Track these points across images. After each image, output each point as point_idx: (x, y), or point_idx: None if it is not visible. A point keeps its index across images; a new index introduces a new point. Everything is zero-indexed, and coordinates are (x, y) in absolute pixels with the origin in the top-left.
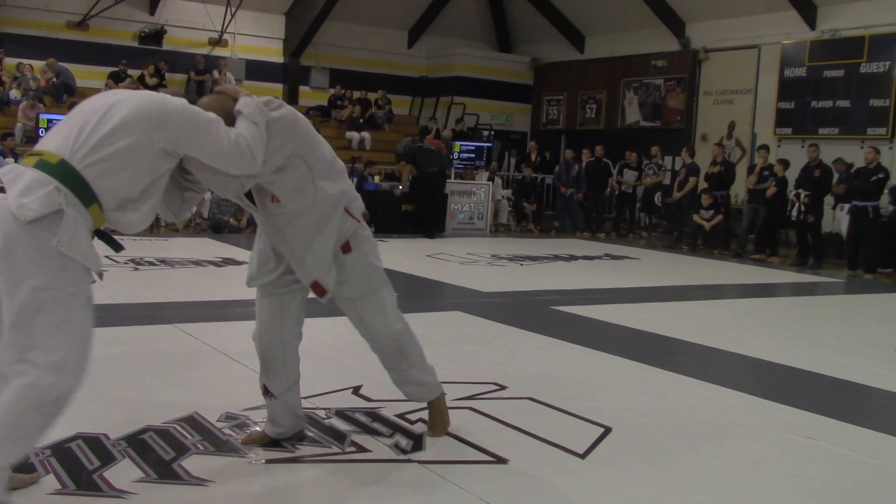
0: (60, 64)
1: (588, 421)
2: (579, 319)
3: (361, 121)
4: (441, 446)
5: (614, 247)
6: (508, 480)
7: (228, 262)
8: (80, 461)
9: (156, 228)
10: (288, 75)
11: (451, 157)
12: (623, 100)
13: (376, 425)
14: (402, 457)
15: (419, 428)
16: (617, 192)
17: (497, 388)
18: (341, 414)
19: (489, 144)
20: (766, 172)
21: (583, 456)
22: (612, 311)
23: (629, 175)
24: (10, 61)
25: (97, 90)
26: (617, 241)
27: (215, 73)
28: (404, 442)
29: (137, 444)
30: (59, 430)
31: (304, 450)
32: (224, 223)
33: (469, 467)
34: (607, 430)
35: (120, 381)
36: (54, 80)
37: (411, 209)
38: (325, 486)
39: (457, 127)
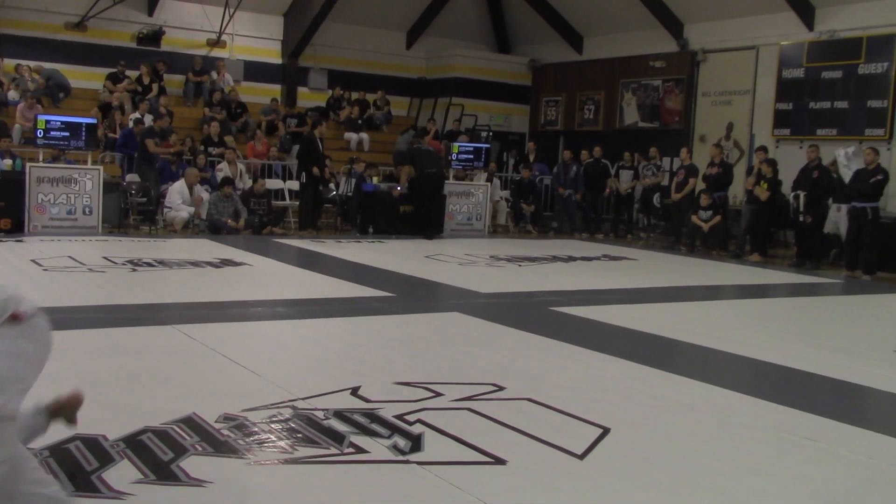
0: (48, 67)
1: (586, 422)
2: (578, 320)
3: (360, 122)
4: (440, 447)
5: (612, 248)
6: (507, 481)
7: (226, 263)
8: (79, 462)
9: (153, 229)
10: (286, 76)
11: (449, 157)
12: (621, 101)
13: (375, 426)
14: (401, 458)
15: (417, 429)
16: (615, 194)
17: (495, 388)
18: (340, 415)
19: (488, 145)
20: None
21: (581, 457)
22: (610, 311)
23: (625, 175)
24: (9, 62)
25: (95, 91)
26: (615, 242)
27: (214, 74)
28: (403, 443)
29: (136, 444)
30: (58, 432)
31: (303, 451)
32: (222, 224)
33: (467, 468)
34: (606, 431)
35: (118, 382)
36: (46, 83)
37: (410, 210)
38: (323, 487)
39: (454, 127)
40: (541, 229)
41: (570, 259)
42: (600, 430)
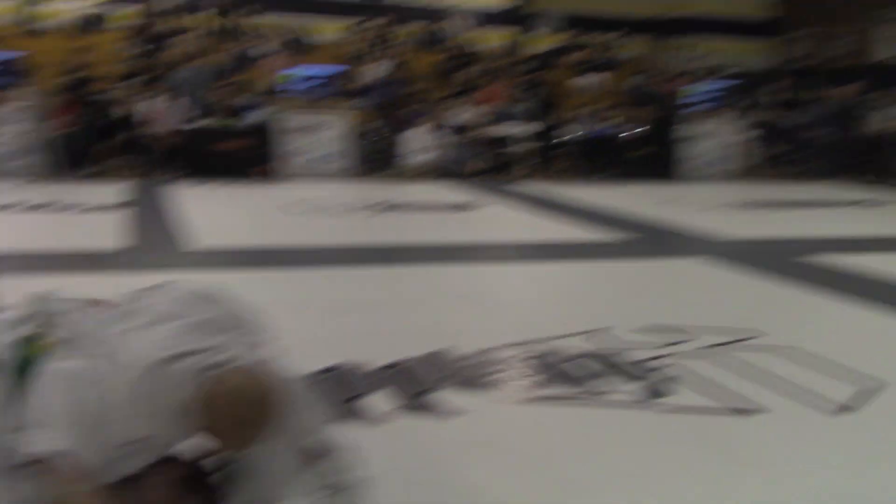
0: (291, 22)
1: (859, 374)
2: (842, 272)
3: (592, 65)
4: (686, 394)
5: (874, 193)
6: (762, 432)
7: (462, 207)
8: (342, 388)
9: (393, 174)
10: (518, 21)
11: (685, 100)
12: (881, 33)
13: (618, 370)
14: (644, 403)
15: (663, 374)
16: (875, 135)
17: (751, 336)
18: (581, 357)
19: (731, 83)
20: None
21: (852, 410)
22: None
23: (886, 114)
24: (258, 20)
25: (336, 44)
26: (878, 187)
27: (446, 23)
28: (647, 388)
29: (391, 376)
30: (320, 359)
31: (544, 391)
32: (459, 169)
33: (716, 418)
34: (883, 385)
35: (365, 314)
36: (292, 38)
37: (644, 153)
38: (562, 429)
39: (690, 68)
40: (792, 173)
41: (829, 204)
42: (876, 383)
